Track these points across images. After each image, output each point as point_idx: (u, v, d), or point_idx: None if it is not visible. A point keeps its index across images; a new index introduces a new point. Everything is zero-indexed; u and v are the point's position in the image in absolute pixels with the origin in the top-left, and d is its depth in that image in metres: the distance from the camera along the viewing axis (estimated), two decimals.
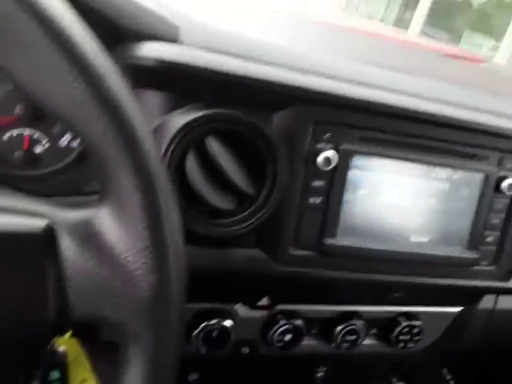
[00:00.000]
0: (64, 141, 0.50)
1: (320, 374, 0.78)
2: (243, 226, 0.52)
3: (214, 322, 0.59)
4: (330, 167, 0.53)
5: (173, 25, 0.48)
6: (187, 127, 0.48)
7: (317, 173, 0.54)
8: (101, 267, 0.31)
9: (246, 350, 0.65)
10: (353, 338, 0.68)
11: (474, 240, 0.63)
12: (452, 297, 0.73)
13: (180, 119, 0.48)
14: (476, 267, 0.65)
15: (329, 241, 0.57)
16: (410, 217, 0.60)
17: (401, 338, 0.70)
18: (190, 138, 0.49)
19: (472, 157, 0.61)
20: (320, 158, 0.53)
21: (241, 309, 0.62)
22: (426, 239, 0.61)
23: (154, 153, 0.31)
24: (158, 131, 0.49)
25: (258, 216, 0.52)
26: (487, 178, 0.61)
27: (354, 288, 0.65)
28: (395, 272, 0.61)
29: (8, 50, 0.27)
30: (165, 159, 0.48)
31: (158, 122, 0.49)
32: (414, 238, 0.61)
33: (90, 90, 0.27)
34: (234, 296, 0.61)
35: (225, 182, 0.50)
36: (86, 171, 0.50)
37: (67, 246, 0.31)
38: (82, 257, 0.31)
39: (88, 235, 0.31)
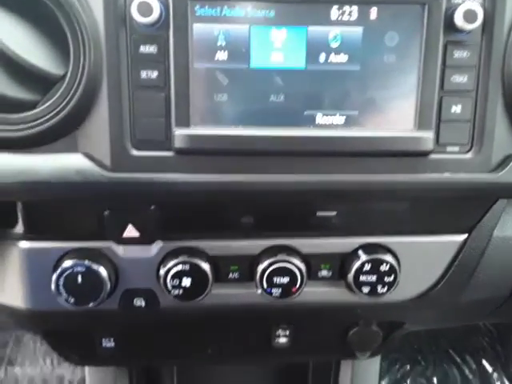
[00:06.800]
0: None
1: (282, 339, 0.59)
2: (50, 117, 0.39)
3: (71, 263, 0.46)
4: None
5: None
6: None
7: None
8: None
9: (140, 302, 0.50)
10: (285, 280, 0.49)
11: (425, 113, 0.41)
12: (433, 214, 0.49)
13: None
14: (441, 155, 0.42)
15: (180, 131, 0.40)
16: (308, 88, 0.41)
17: (363, 279, 0.50)
18: None
19: None
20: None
21: (119, 248, 0.48)
22: (340, 120, 0.41)
23: None
24: None
25: (66, 101, 0.39)
26: (430, 10, 0.39)
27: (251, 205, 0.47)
28: (304, 169, 0.42)
29: None
30: None
31: None
32: (321, 119, 0.41)
33: None
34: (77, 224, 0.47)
35: (21, 68, 0.38)
36: None
37: None
38: None
39: None
